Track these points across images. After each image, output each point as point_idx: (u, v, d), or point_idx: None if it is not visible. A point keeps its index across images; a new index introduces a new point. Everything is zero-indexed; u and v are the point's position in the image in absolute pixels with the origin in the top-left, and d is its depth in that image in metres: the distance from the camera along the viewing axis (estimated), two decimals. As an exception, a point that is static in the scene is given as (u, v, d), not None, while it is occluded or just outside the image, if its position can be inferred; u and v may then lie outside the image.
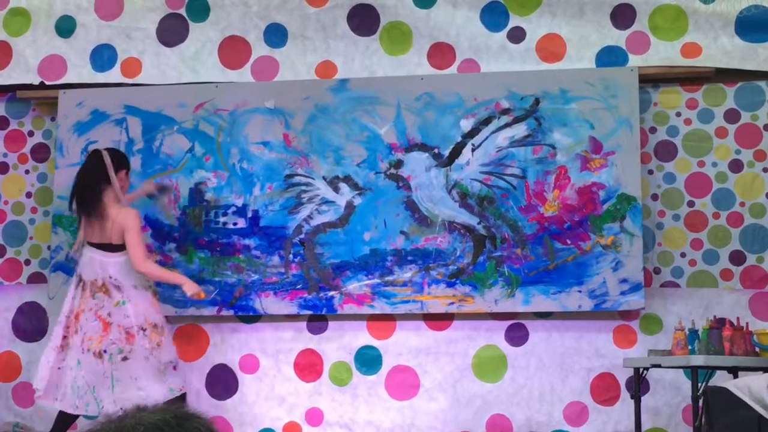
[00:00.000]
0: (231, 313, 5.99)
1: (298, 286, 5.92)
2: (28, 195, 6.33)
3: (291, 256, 5.94)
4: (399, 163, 5.93)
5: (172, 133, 6.08)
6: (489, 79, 5.92)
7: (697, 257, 5.80)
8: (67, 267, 6.06)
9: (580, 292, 5.70)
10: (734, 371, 5.08)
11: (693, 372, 4.92)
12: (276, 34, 6.15)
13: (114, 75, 6.24)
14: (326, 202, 5.96)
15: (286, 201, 5.99)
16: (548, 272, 5.73)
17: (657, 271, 5.82)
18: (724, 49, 5.79)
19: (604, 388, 5.75)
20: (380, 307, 5.86)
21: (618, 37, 5.89)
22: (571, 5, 5.93)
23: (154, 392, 5.24)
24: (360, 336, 5.94)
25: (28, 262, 6.30)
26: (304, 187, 5.99)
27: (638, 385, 5.24)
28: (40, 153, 6.34)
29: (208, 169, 6.07)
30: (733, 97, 5.84)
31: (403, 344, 5.91)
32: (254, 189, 6.02)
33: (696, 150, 5.86)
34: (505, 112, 5.87)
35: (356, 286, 5.87)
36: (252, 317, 6.02)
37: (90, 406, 5.29)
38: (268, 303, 5.94)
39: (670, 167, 5.87)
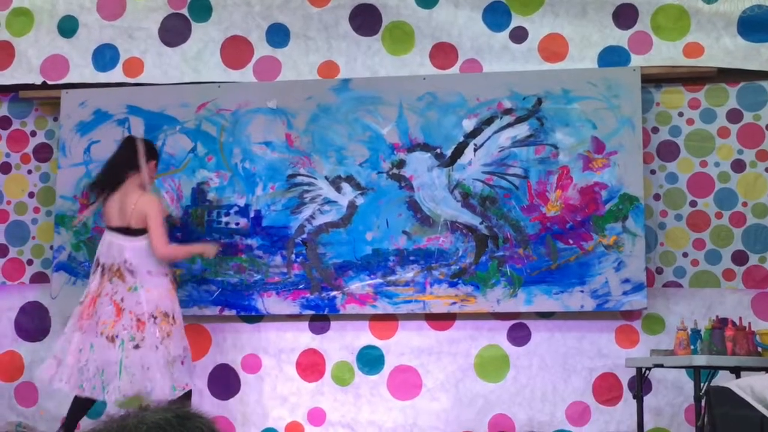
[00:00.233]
0: (233, 313, 6.00)
1: (301, 286, 5.92)
2: (31, 195, 6.34)
3: (293, 256, 5.95)
4: (401, 163, 5.93)
5: (174, 133, 6.08)
6: (491, 79, 5.92)
7: (699, 257, 5.80)
8: (70, 267, 6.07)
9: (582, 292, 5.70)
10: (737, 371, 5.08)
11: (695, 372, 4.92)
12: (278, 34, 6.16)
13: (116, 75, 6.24)
14: (328, 202, 5.96)
15: (289, 201, 6.00)
16: (550, 272, 5.73)
17: (659, 271, 5.82)
18: (727, 49, 5.79)
19: (606, 388, 5.75)
20: (382, 307, 5.86)
21: (620, 37, 5.89)
22: (573, 5, 5.93)
23: (158, 387, 5.24)
24: (362, 336, 5.95)
25: (30, 262, 6.30)
26: (306, 187, 5.99)
27: (640, 385, 5.24)
28: (43, 153, 6.35)
29: (211, 169, 6.08)
30: (735, 97, 5.83)
31: (406, 344, 5.91)
32: (256, 189, 6.02)
33: (698, 150, 5.85)
34: (508, 112, 5.87)
35: (358, 285, 5.87)
36: (254, 317, 6.02)
37: (96, 389, 5.29)
38: (271, 303, 5.94)
39: (673, 167, 5.87)
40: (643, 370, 5.25)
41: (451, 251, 5.82)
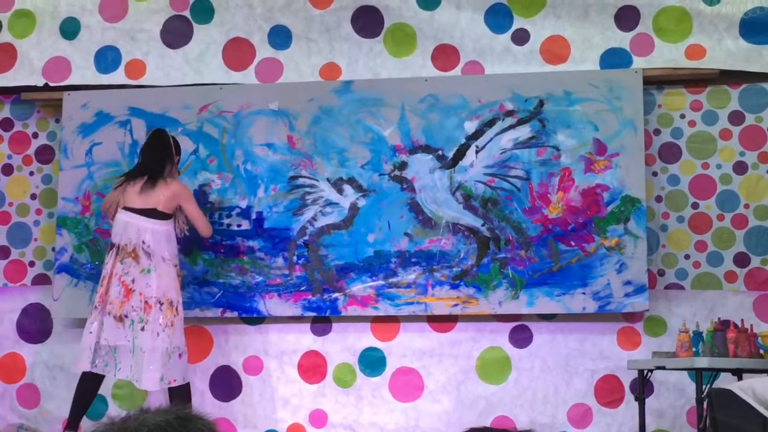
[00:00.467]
0: (235, 314, 6.00)
1: (302, 288, 5.92)
2: (33, 197, 6.34)
3: (295, 257, 5.95)
4: (403, 165, 5.93)
5: (176, 135, 6.08)
6: (493, 81, 5.92)
7: (701, 259, 5.79)
8: (72, 269, 6.08)
9: (584, 293, 5.69)
10: (738, 373, 5.07)
11: (697, 374, 4.92)
12: (280, 36, 6.16)
13: (118, 77, 6.25)
14: (330, 203, 5.96)
15: (290, 203, 6.00)
16: (552, 274, 5.73)
17: (661, 273, 5.82)
18: (729, 51, 5.79)
19: (608, 390, 5.74)
20: (384, 308, 5.86)
21: (622, 39, 5.89)
22: (575, 7, 5.93)
23: (149, 374, 5.26)
24: (364, 337, 5.95)
25: (32, 264, 6.31)
26: (308, 189, 6.00)
27: (642, 387, 5.24)
28: (45, 155, 6.35)
29: (213, 170, 6.08)
30: (737, 99, 5.83)
31: (407, 346, 5.91)
32: (258, 191, 6.02)
33: (700, 152, 5.85)
34: (509, 113, 5.87)
35: (360, 287, 5.87)
36: (256, 319, 6.02)
37: (108, 366, 5.32)
38: (272, 305, 5.94)
39: (675, 169, 5.87)
40: (645, 372, 5.25)
41: (453, 253, 5.82)
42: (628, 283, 5.66)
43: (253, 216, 6.01)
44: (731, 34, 5.79)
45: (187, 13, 6.24)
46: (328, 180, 5.98)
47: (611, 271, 5.68)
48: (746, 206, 5.79)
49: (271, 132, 6.04)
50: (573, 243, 5.74)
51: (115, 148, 6.15)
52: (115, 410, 5.99)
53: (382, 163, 5.94)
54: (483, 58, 5.99)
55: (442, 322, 5.89)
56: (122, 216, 5.51)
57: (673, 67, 5.84)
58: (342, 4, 6.11)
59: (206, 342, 6.06)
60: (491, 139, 5.87)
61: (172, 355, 5.35)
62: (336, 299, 5.89)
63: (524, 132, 5.86)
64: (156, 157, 5.61)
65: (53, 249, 6.19)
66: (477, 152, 5.88)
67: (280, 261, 5.96)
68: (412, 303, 5.83)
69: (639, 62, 5.85)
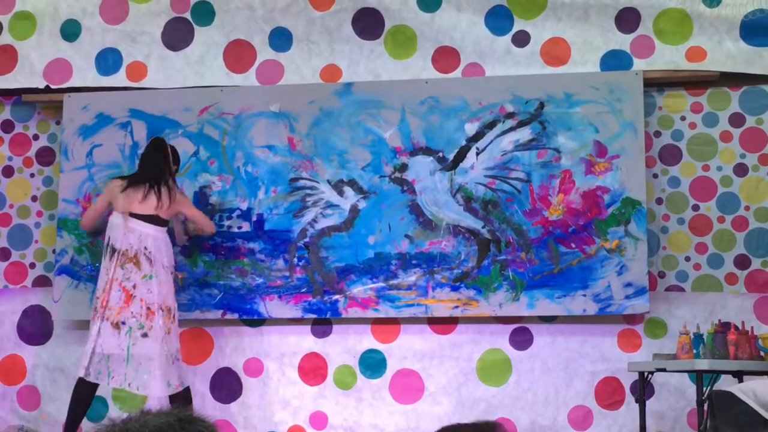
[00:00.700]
0: (236, 316, 6.00)
1: (303, 290, 5.92)
2: (34, 198, 6.34)
3: (295, 259, 5.95)
4: (403, 167, 5.93)
5: (176, 137, 6.08)
6: (494, 83, 5.92)
7: (701, 261, 5.79)
8: (72, 270, 6.08)
9: (584, 296, 5.69)
10: (739, 375, 5.08)
11: (698, 376, 4.92)
12: (281, 38, 6.16)
13: (119, 79, 6.25)
14: (331, 205, 5.96)
15: (291, 204, 6.00)
16: (553, 276, 5.73)
17: (662, 275, 5.82)
18: (729, 53, 5.79)
19: (608, 392, 5.74)
20: (385, 310, 5.86)
21: (623, 41, 5.89)
22: (575, 9, 5.93)
23: (156, 380, 5.28)
24: (364, 339, 5.94)
25: (33, 266, 6.31)
26: (308, 191, 6.00)
27: (643, 389, 5.24)
28: (45, 156, 6.35)
29: (213, 172, 6.08)
30: (737, 101, 5.83)
31: (408, 348, 5.91)
32: (259, 192, 6.02)
33: (701, 154, 5.85)
34: (510, 115, 5.88)
35: (361, 289, 5.87)
36: (256, 321, 6.02)
37: (101, 374, 5.32)
38: (273, 306, 5.94)
39: (675, 171, 5.87)
40: (646, 374, 5.24)
41: (454, 255, 5.82)
42: (628, 285, 5.66)
43: (254, 218, 6.01)
44: (731, 36, 5.80)
45: (187, 15, 6.24)
46: (328, 182, 5.98)
47: (612, 273, 5.68)
48: (747, 208, 5.79)
49: (272, 134, 6.05)
50: (573, 245, 5.74)
51: (116, 150, 6.16)
52: (115, 412, 5.99)
53: (383, 165, 5.94)
54: (483, 60, 5.99)
55: (443, 324, 5.88)
56: (118, 220, 5.50)
57: (674, 69, 5.84)
58: (342, 6, 6.12)
59: (207, 344, 6.06)
60: (492, 141, 5.87)
61: (174, 361, 5.40)
62: (336, 301, 5.89)
63: (525, 134, 5.86)
64: (155, 165, 5.61)
65: (54, 251, 6.19)
66: (477, 154, 5.88)
67: (280, 263, 5.96)
68: (412, 305, 5.83)
69: (639, 64, 5.85)
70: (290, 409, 5.95)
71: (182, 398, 5.41)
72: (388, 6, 6.07)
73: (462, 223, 5.84)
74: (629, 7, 5.89)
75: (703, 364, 4.90)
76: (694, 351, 5.03)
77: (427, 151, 5.92)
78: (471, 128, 5.90)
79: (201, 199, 6.04)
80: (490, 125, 5.89)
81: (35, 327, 6.23)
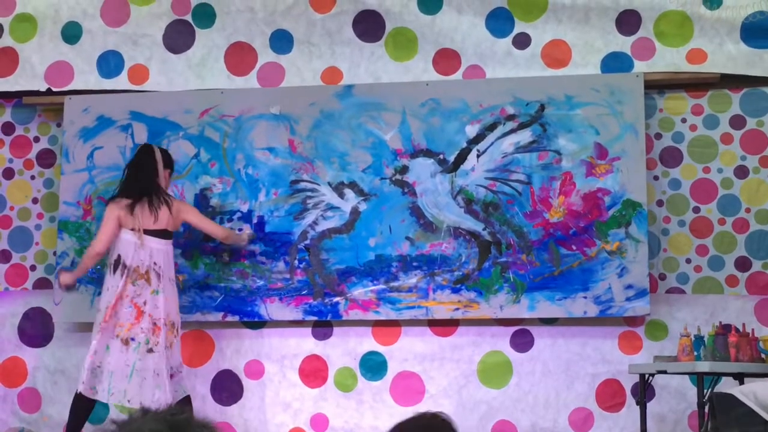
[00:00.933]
0: (236, 318, 6.00)
1: (304, 292, 5.92)
2: (34, 201, 6.35)
3: (296, 261, 5.95)
4: (404, 169, 5.93)
5: (177, 139, 6.09)
6: (494, 85, 5.92)
7: (702, 263, 5.79)
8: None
9: (585, 298, 5.69)
10: (740, 377, 5.07)
11: (699, 378, 4.92)
12: (282, 41, 6.16)
13: (121, 82, 6.25)
14: (331, 207, 5.96)
15: (292, 207, 6.00)
16: (553, 278, 5.73)
17: (662, 277, 5.81)
18: (730, 55, 5.79)
19: (609, 395, 5.74)
20: (385, 312, 5.85)
21: (623, 43, 5.89)
22: (576, 11, 5.93)
23: (164, 394, 5.29)
24: (365, 342, 5.94)
25: (33, 268, 6.31)
26: (309, 193, 6.00)
27: (644, 391, 5.24)
28: (46, 159, 6.35)
29: (214, 174, 6.08)
30: (738, 103, 5.83)
31: (408, 350, 5.91)
32: (259, 195, 6.02)
33: (701, 156, 5.85)
34: (511, 118, 5.88)
35: (361, 291, 5.87)
36: (257, 323, 6.02)
37: (102, 392, 5.30)
38: (274, 309, 5.94)
39: (676, 173, 5.87)
40: (647, 376, 5.24)
41: (454, 257, 5.82)
42: (629, 287, 5.66)
43: (255, 220, 6.01)
44: (732, 38, 5.80)
45: (188, 18, 6.24)
46: (329, 184, 5.98)
47: (612, 275, 5.68)
48: (747, 210, 5.79)
49: (273, 136, 6.05)
50: (574, 247, 5.74)
51: (117, 153, 6.15)
52: (115, 414, 5.98)
53: (383, 167, 5.94)
54: (484, 62, 5.99)
55: (444, 326, 5.88)
56: (130, 236, 5.43)
57: (674, 71, 5.84)
58: (343, 9, 6.12)
59: (207, 346, 6.06)
60: (492, 143, 5.87)
61: (175, 374, 5.41)
62: (337, 303, 5.89)
63: (525, 136, 5.86)
64: (145, 176, 5.52)
65: (54, 253, 6.19)
66: (478, 156, 5.88)
67: (281, 265, 5.96)
68: (413, 307, 5.83)
69: (640, 66, 5.85)
70: (291, 412, 5.95)
71: (181, 404, 5.41)
72: (388, 8, 6.08)
73: (463, 225, 5.84)
74: (630, 10, 5.89)
75: (703, 366, 4.90)
76: (695, 353, 5.03)
77: (428, 153, 5.92)
78: (472, 130, 5.90)
79: (202, 202, 6.04)
80: (491, 127, 5.89)
81: (36, 329, 6.23)
